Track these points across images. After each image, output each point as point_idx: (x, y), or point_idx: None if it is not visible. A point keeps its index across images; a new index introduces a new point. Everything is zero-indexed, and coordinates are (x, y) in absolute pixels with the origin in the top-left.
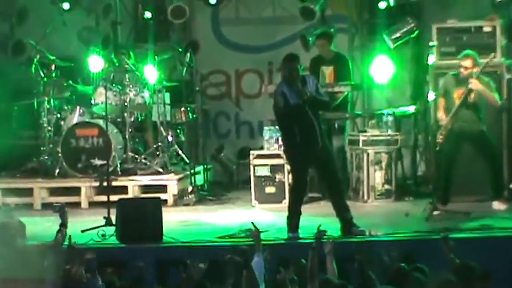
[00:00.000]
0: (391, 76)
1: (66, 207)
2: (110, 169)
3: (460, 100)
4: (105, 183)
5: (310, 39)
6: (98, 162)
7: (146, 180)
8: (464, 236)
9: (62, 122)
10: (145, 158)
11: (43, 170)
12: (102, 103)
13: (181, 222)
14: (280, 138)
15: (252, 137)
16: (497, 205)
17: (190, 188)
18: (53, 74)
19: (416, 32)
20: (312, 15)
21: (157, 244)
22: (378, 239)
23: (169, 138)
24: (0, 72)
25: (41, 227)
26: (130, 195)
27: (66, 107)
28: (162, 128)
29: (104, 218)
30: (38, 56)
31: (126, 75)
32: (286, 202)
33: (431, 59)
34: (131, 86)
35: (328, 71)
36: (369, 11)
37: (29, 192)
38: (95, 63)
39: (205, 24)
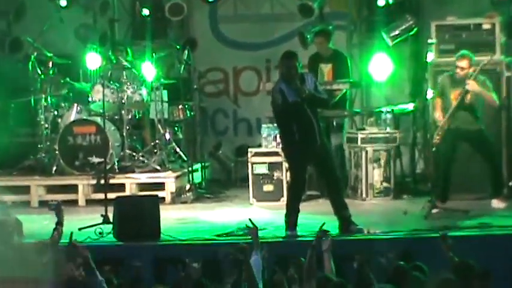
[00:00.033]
0: (390, 74)
1: (63, 205)
2: (108, 167)
3: (457, 101)
4: (102, 181)
5: (309, 36)
6: (95, 159)
7: (144, 178)
8: (463, 234)
9: (59, 120)
10: (142, 156)
11: (40, 168)
12: (99, 100)
13: (178, 220)
14: (278, 136)
15: (250, 134)
16: (496, 203)
17: (188, 186)
18: (50, 71)
19: (415, 30)
20: (310, 12)
21: (154, 242)
22: (377, 237)
23: (167, 136)
24: None
25: (38, 224)
26: (127, 193)
27: (63, 105)
28: (159, 126)
29: (101, 215)
30: (35, 53)
31: (124, 72)
32: (284, 200)
33: (430, 56)
34: (129, 84)
35: (326, 68)
36: (367, 8)
37: (26, 189)
38: (93, 60)
39: (203, 22)
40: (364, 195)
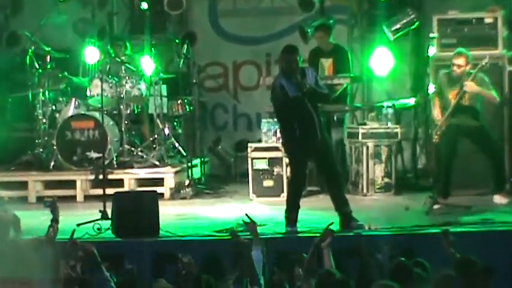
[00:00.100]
0: (391, 68)
1: (61, 200)
2: (106, 162)
3: (455, 101)
4: (100, 176)
5: (309, 30)
6: (93, 155)
7: (142, 173)
8: (465, 230)
9: (57, 114)
10: (141, 151)
11: (38, 163)
12: (97, 95)
13: (178, 215)
14: (278, 131)
15: (250, 129)
16: (498, 199)
17: (187, 181)
18: (48, 66)
19: (417, 24)
20: (310, 6)
21: (153, 238)
22: (378, 233)
23: (166, 131)
24: None
25: (36, 220)
26: (126, 188)
27: (61, 99)
28: (158, 121)
29: (100, 211)
30: (32, 48)
31: (122, 67)
32: (284, 196)
33: (432, 50)
34: (127, 78)
35: (327, 63)
36: (368, 2)
37: (23, 185)
38: (91, 54)
39: (203, 16)
40: (365, 191)
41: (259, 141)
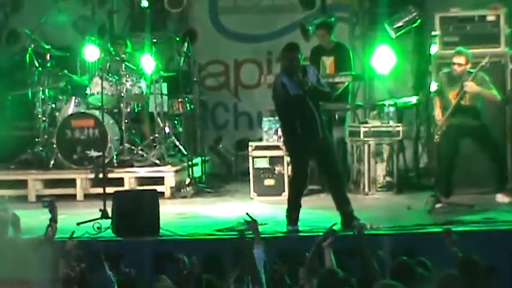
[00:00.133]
0: (393, 66)
1: (61, 199)
2: (106, 161)
3: (455, 102)
4: (101, 175)
5: (310, 28)
6: (93, 153)
7: (143, 172)
8: (467, 229)
9: (57, 113)
10: (142, 150)
11: (37, 162)
12: (98, 93)
13: (178, 214)
14: (279, 130)
15: (251, 128)
16: (500, 198)
17: (187, 180)
18: (48, 64)
19: (419, 21)
20: (311, 4)
21: (154, 237)
22: (379, 233)
23: (167, 130)
24: None
25: (36, 219)
26: (126, 187)
27: (61, 97)
28: (159, 119)
29: (100, 210)
30: (32, 46)
31: (123, 65)
32: (285, 195)
33: (434, 48)
34: (128, 76)
35: (328, 61)
36: (370, 0)
37: (23, 184)
38: (91, 52)
39: (203, 13)
40: (366, 190)
41: (260, 139)
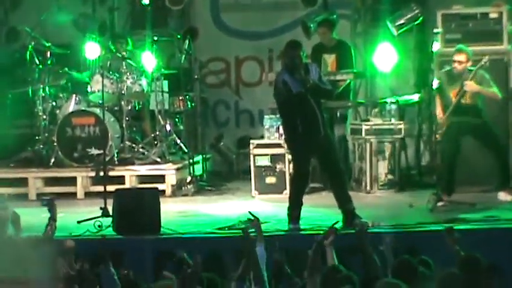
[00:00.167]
0: (395, 64)
1: (61, 197)
2: (107, 159)
3: (456, 100)
4: (101, 173)
5: (312, 26)
6: (94, 151)
7: (144, 170)
8: (469, 227)
9: (58, 111)
10: (142, 148)
11: (38, 160)
12: (98, 91)
13: (179, 213)
14: (281, 127)
15: (252, 126)
16: (503, 196)
17: (188, 178)
18: (48, 61)
19: (421, 19)
20: (313, 1)
21: (154, 235)
22: (381, 231)
23: (168, 127)
24: None
25: (36, 217)
26: (127, 185)
27: (61, 95)
28: (160, 117)
29: (101, 208)
30: (32, 43)
31: (123, 62)
32: (287, 193)
33: (436, 46)
34: (128, 74)
35: (330, 59)
36: None
37: (23, 182)
38: (92, 50)
39: (204, 10)
40: (368, 188)
41: (262, 137)
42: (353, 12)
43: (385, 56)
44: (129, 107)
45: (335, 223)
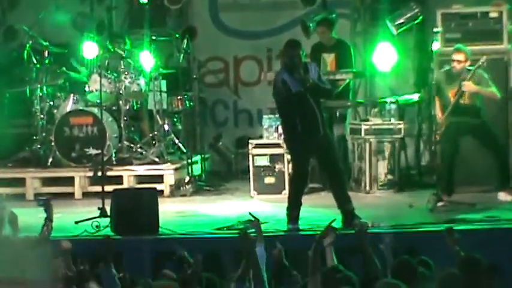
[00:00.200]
0: (394, 63)
1: (59, 197)
2: (105, 158)
3: (454, 101)
4: (99, 173)
5: (311, 25)
6: (92, 151)
7: (142, 170)
8: (469, 227)
9: (55, 110)
10: (141, 147)
11: (35, 160)
12: (96, 91)
13: (178, 213)
14: (280, 127)
15: (251, 125)
16: (503, 196)
17: (187, 178)
18: (46, 61)
19: (421, 18)
20: (312, 0)
21: (153, 236)
22: (381, 231)
23: (166, 127)
24: None
25: (34, 218)
26: (125, 185)
27: (59, 95)
28: (158, 117)
29: (99, 208)
30: (30, 42)
31: (121, 62)
32: (286, 193)
33: (436, 45)
34: (126, 73)
35: (329, 58)
36: None
37: (21, 182)
38: (89, 49)
39: (203, 10)
40: (367, 188)
41: (261, 137)
42: (352, 12)
43: (384, 56)
44: (127, 107)
45: (332, 221)
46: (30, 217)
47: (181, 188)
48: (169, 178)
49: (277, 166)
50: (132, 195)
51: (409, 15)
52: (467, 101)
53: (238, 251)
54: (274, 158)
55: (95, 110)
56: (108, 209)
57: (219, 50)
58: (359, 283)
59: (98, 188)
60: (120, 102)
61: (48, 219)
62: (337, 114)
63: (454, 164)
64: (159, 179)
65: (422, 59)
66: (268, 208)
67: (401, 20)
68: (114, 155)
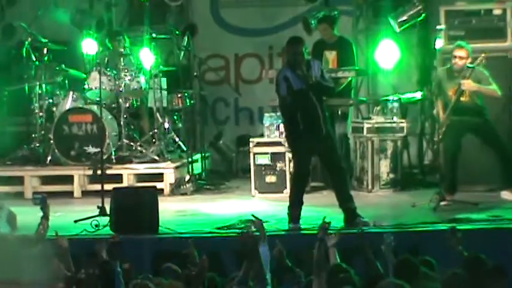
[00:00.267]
0: (397, 61)
1: (58, 196)
2: (104, 157)
3: (454, 99)
4: (99, 172)
5: (313, 22)
6: (91, 149)
7: (142, 168)
8: (472, 227)
9: (54, 108)
10: (140, 146)
11: (34, 158)
12: (96, 88)
13: (178, 212)
14: (281, 125)
15: (252, 123)
16: (506, 195)
17: (187, 177)
18: (45, 58)
19: (424, 15)
20: None
21: (153, 235)
22: (383, 230)
23: (166, 125)
24: None
25: (33, 216)
26: (125, 184)
27: (58, 92)
28: (158, 115)
29: (98, 207)
30: (29, 39)
31: (121, 59)
32: (287, 192)
33: (439, 43)
34: (126, 71)
35: (331, 55)
36: None
37: (19, 180)
38: (89, 46)
39: (204, 7)
40: (370, 187)
41: (262, 135)
42: (355, 9)
43: (387, 53)
44: (127, 105)
45: (323, 218)
46: (29, 216)
47: (182, 186)
48: (170, 177)
49: (278, 165)
50: (132, 194)
51: (412, 12)
52: (468, 99)
53: (238, 250)
54: (275, 157)
55: (95, 108)
56: (107, 207)
57: (219, 48)
58: (362, 282)
59: (98, 187)
60: (120, 100)
61: (45, 217)
62: (339, 112)
63: (457, 163)
64: (159, 177)
65: (425, 57)
66: (269, 207)
67: (404, 17)
68: (113, 153)
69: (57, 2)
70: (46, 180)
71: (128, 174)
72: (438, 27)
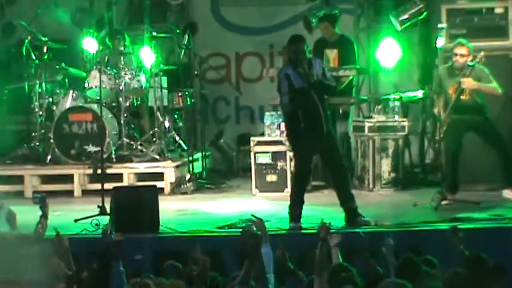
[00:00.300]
0: (399, 59)
1: (58, 195)
2: (104, 156)
3: (454, 98)
4: (99, 171)
5: (314, 20)
6: (91, 148)
7: (142, 167)
8: (474, 226)
9: (54, 107)
10: (141, 145)
11: (34, 157)
12: (96, 87)
13: (178, 211)
14: (282, 124)
15: (253, 122)
16: (508, 194)
17: (188, 176)
18: (45, 57)
19: (425, 14)
20: None
21: (153, 234)
22: (385, 230)
23: (166, 124)
24: None
25: (33, 215)
26: (125, 183)
27: (58, 91)
28: (158, 113)
29: (98, 206)
30: (29, 38)
31: (121, 58)
32: (288, 191)
33: (441, 41)
34: (126, 70)
35: (332, 54)
36: None
37: (19, 179)
38: (89, 45)
39: (204, 5)
40: (371, 186)
41: (262, 134)
42: (356, 7)
43: (388, 52)
44: (128, 104)
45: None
46: (29, 215)
47: (182, 185)
48: (170, 176)
49: (279, 164)
50: (132, 193)
51: (413, 10)
52: (468, 97)
53: (239, 249)
54: (276, 156)
55: (95, 107)
56: (108, 207)
57: (220, 46)
58: (364, 282)
59: (98, 186)
60: (120, 98)
61: (44, 216)
62: (340, 111)
63: (458, 162)
64: (160, 176)
65: (426, 55)
66: (270, 206)
67: (406, 16)
68: (114, 152)
69: (57, 0)
70: (46, 179)
71: (128, 173)
72: (439, 25)
